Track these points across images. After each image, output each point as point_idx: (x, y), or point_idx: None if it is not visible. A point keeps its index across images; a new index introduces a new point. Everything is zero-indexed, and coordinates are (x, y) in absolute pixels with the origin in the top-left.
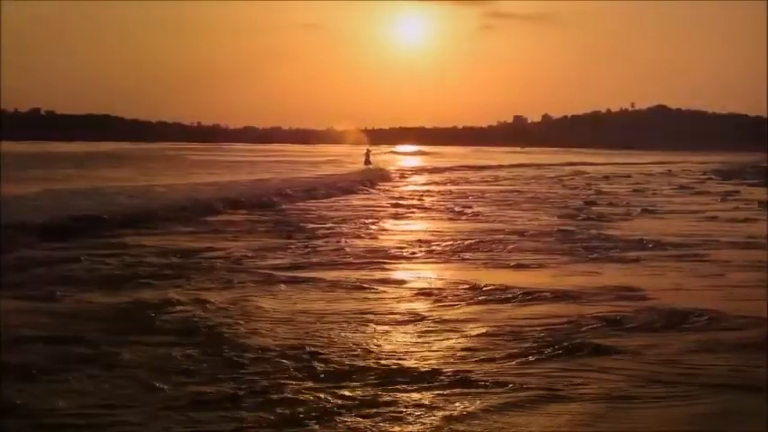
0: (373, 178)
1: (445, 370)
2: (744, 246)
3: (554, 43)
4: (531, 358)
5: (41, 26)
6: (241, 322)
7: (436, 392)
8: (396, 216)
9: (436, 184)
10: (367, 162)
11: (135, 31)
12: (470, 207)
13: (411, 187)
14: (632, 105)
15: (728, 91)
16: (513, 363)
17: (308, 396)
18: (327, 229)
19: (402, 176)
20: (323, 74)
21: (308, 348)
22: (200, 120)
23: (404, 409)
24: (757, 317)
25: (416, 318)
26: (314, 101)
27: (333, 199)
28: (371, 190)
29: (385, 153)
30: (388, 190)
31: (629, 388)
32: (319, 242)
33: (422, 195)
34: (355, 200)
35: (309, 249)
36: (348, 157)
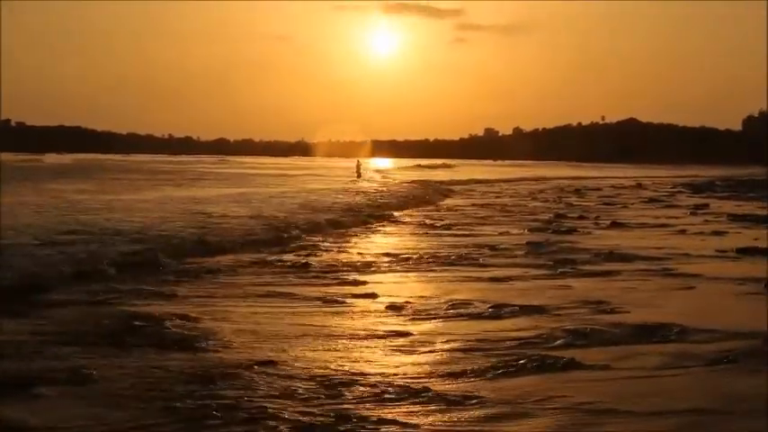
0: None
1: (416, 385)
2: (713, 259)
3: (525, 56)
4: (501, 372)
5: (10, 35)
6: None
7: (407, 408)
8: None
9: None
10: (358, 174)
11: (106, 41)
12: (442, 220)
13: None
14: (603, 119)
15: (700, 105)
16: (484, 377)
17: (279, 413)
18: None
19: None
20: (294, 86)
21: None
22: (172, 132)
23: (374, 426)
24: (727, 331)
25: (388, 333)
26: (285, 113)
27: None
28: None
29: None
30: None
31: (599, 402)
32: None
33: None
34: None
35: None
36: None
